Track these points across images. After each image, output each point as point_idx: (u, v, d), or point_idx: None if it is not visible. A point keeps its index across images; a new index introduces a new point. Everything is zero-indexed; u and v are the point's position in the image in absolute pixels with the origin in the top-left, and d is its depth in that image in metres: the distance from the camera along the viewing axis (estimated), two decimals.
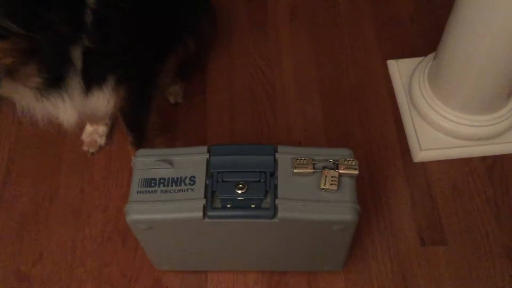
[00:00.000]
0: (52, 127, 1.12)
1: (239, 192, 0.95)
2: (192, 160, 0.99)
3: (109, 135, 1.44)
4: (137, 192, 0.97)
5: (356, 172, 0.97)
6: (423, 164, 1.36)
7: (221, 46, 1.60)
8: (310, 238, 1.02)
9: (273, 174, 0.97)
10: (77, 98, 1.02)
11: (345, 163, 0.97)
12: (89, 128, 1.42)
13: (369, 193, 1.33)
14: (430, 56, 1.40)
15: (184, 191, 0.96)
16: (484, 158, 1.36)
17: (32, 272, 1.27)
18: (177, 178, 0.97)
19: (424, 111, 1.36)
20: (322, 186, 0.95)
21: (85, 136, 1.42)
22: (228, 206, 0.95)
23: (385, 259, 1.24)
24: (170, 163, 0.99)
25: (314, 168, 0.96)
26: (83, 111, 1.09)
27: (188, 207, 0.95)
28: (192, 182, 0.97)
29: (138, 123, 1.28)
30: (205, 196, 0.95)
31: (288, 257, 1.12)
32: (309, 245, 1.06)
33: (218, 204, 0.95)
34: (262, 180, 0.96)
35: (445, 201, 1.31)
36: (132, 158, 1.03)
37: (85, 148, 1.42)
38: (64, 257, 1.28)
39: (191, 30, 1.39)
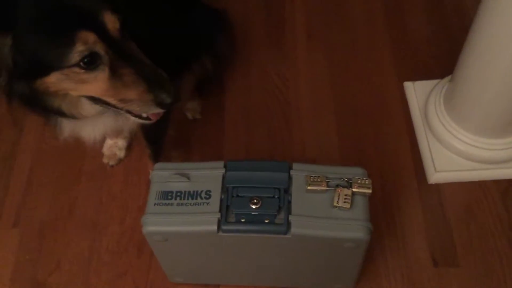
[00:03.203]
0: (74, 140, 1.16)
1: (254, 207, 0.97)
2: (208, 175, 1.01)
3: (128, 149, 1.48)
4: (154, 204, 1.00)
5: (369, 191, 0.98)
6: (437, 186, 1.37)
7: (239, 65, 1.63)
8: (322, 255, 1.04)
9: (287, 191, 0.99)
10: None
11: (359, 181, 0.98)
12: (109, 141, 1.45)
13: (383, 212, 1.33)
14: (447, 79, 1.41)
15: (200, 204, 0.98)
16: (498, 182, 1.36)
17: (48, 280, 1.29)
18: (193, 191, 1.00)
19: (439, 133, 1.37)
20: (335, 204, 0.96)
21: (105, 149, 1.46)
22: (242, 220, 0.96)
23: (397, 279, 1.24)
24: (187, 177, 1.01)
25: (327, 186, 0.98)
26: (114, 127, 1.12)
27: (203, 221, 0.97)
28: (207, 196, 0.99)
29: (157, 137, 1.31)
30: (220, 210, 0.97)
31: (300, 274, 1.13)
32: (321, 262, 1.07)
33: (232, 218, 0.97)
34: (276, 196, 0.98)
35: (458, 223, 1.31)
36: (150, 171, 1.06)
37: (105, 160, 1.45)
38: (81, 266, 1.30)
39: (209, 50, 1.42)
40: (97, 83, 0.88)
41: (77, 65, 0.84)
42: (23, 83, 0.89)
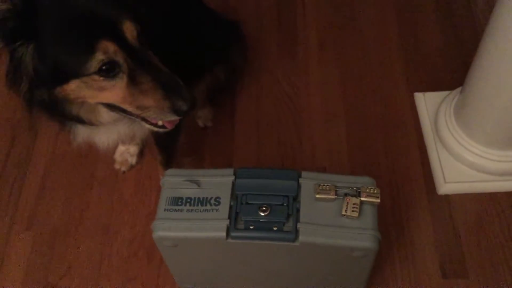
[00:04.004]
0: (87, 146, 1.18)
1: (262, 214, 0.97)
2: (218, 182, 1.02)
3: (140, 155, 1.49)
4: (164, 210, 1.01)
5: (378, 200, 0.98)
6: (447, 197, 1.36)
7: (251, 74, 1.65)
8: (330, 264, 1.04)
9: (296, 199, 0.99)
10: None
11: (367, 191, 0.99)
12: (121, 147, 1.47)
13: (392, 222, 1.33)
14: (457, 90, 1.42)
15: (209, 211, 0.99)
16: (509, 194, 1.35)
17: (59, 284, 1.31)
18: (203, 198, 1.01)
19: (449, 144, 1.37)
20: (343, 213, 0.97)
21: (117, 155, 1.48)
22: (251, 227, 0.97)
23: None
24: (197, 183, 1.02)
25: (336, 195, 0.98)
26: (128, 133, 1.14)
27: (212, 227, 0.98)
28: (217, 203, 1.00)
29: (168, 144, 1.33)
30: (229, 217, 0.98)
31: (308, 281, 1.14)
32: (329, 270, 1.07)
33: (241, 225, 0.98)
34: (285, 204, 0.98)
35: (468, 234, 1.30)
36: (161, 177, 1.07)
37: (116, 166, 1.47)
38: (91, 271, 1.32)
39: (221, 59, 1.44)
40: (115, 90, 0.90)
41: (96, 73, 0.87)
42: (43, 90, 0.91)
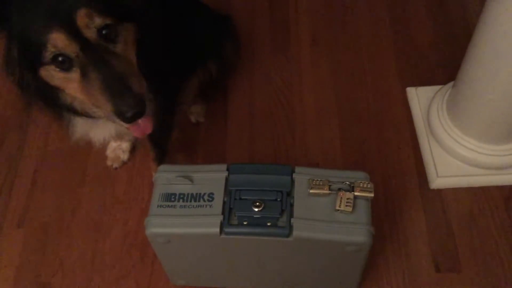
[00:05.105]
0: (80, 142, 1.16)
1: (256, 210, 0.97)
2: (211, 177, 1.02)
3: (132, 151, 1.49)
4: (158, 206, 1.00)
5: (372, 195, 0.98)
6: (439, 191, 1.37)
7: (244, 69, 1.64)
8: (324, 259, 1.04)
9: (289, 194, 1.00)
10: None
11: (361, 185, 0.99)
12: (113, 144, 1.46)
13: (385, 217, 1.34)
14: (449, 84, 1.42)
15: (203, 207, 0.99)
16: (501, 188, 1.36)
17: (51, 281, 1.30)
18: (196, 194, 1.01)
19: (442, 139, 1.38)
20: (337, 207, 0.97)
21: (109, 152, 1.47)
22: (245, 223, 0.97)
23: (399, 283, 1.24)
24: (190, 179, 1.02)
25: (330, 190, 0.98)
26: (122, 129, 1.12)
27: (205, 223, 0.98)
28: (210, 199, 1.00)
29: (161, 140, 1.32)
30: (223, 213, 0.98)
31: (302, 277, 1.14)
32: (323, 265, 1.07)
33: (235, 221, 0.98)
34: (278, 199, 0.98)
35: (460, 228, 1.31)
36: (154, 173, 1.06)
37: (109, 163, 1.46)
38: (84, 268, 1.31)
39: (214, 54, 1.43)
40: (72, 83, 0.88)
41: (51, 63, 0.85)
42: (30, 75, 0.90)
